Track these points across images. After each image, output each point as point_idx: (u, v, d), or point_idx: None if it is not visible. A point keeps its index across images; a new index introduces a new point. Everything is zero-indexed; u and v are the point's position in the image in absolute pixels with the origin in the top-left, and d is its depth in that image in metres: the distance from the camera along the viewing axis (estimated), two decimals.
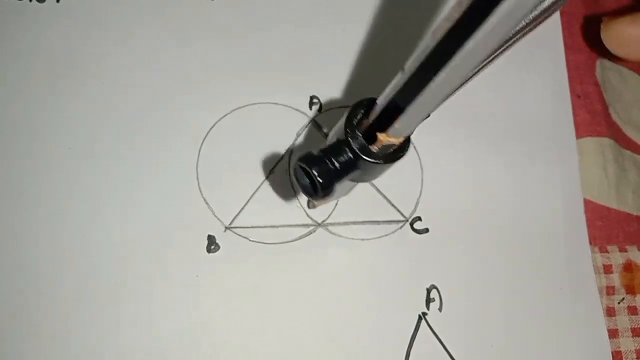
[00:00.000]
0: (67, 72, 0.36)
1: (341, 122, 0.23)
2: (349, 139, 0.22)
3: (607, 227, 0.37)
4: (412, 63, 0.18)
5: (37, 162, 0.34)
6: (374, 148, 0.22)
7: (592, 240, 0.36)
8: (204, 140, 0.35)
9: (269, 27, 0.38)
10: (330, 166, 0.22)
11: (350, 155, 0.22)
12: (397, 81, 0.20)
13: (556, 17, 0.40)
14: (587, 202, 0.37)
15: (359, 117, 0.23)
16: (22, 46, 0.36)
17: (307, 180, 0.23)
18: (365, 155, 0.22)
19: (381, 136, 0.21)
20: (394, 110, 0.20)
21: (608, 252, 0.36)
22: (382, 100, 0.21)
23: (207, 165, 0.35)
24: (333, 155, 0.22)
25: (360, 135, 0.22)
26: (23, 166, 0.34)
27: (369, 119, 0.22)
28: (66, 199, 0.33)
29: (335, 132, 0.24)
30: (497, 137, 0.37)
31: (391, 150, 0.22)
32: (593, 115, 0.39)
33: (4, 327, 0.30)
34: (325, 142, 0.24)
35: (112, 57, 0.37)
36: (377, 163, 0.22)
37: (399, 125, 0.20)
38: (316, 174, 0.22)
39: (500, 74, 0.39)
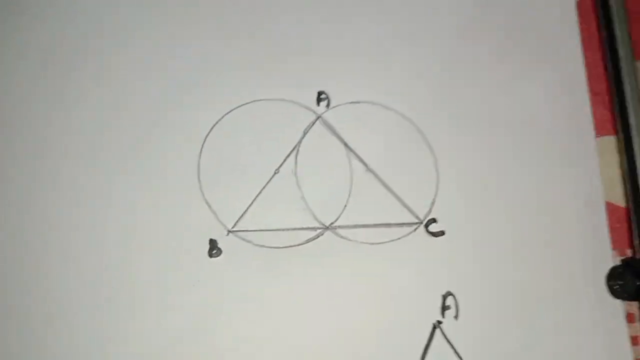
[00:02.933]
0: (67, 74, 0.35)
1: None
2: None
3: (625, 229, 0.35)
4: None
5: (38, 164, 0.34)
6: None
7: (611, 243, 0.35)
8: (205, 139, 0.34)
9: (274, 19, 0.37)
10: None
11: None
12: None
13: (572, 15, 0.39)
14: (606, 204, 0.36)
15: None
16: (21, 46, 0.36)
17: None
18: None
19: None
20: None
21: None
22: None
23: (209, 166, 0.34)
24: None
25: None
26: (25, 169, 0.34)
27: None
28: (65, 202, 0.33)
29: None
30: (514, 137, 0.36)
31: None
32: (611, 112, 0.38)
33: (7, 328, 0.31)
34: None
35: (113, 57, 0.36)
36: None
37: None
38: None
39: (516, 74, 0.38)
